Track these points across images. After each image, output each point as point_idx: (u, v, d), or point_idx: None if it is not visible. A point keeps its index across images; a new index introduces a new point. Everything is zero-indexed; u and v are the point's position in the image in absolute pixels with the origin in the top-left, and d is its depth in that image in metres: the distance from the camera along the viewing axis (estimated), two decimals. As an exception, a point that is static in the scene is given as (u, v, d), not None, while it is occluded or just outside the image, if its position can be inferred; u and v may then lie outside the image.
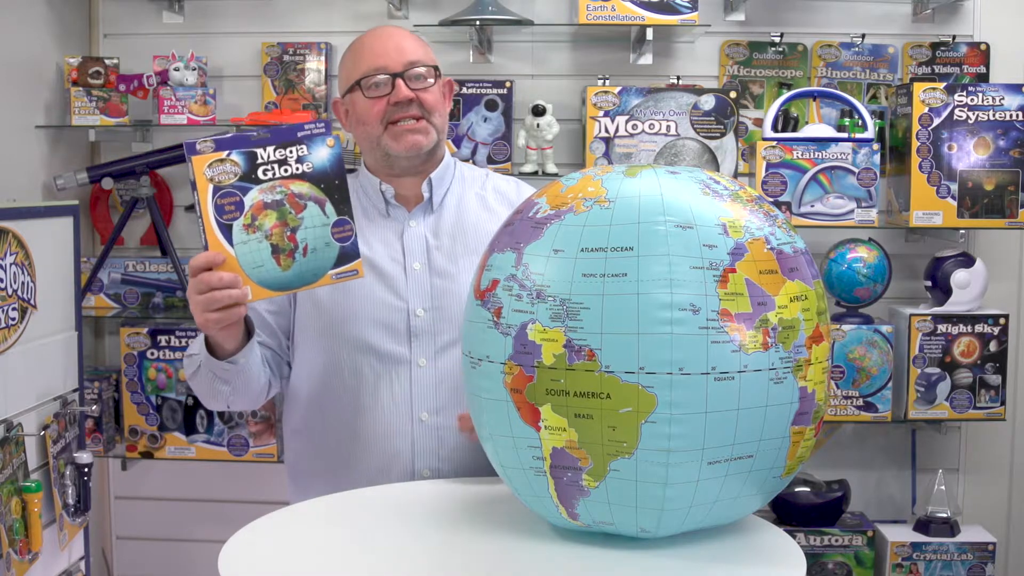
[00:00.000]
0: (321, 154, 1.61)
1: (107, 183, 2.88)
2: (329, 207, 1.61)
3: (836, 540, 2.81)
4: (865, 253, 2.76)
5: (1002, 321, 2.75)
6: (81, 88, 2.83)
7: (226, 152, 1.57)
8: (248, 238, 1.58)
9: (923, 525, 2.82)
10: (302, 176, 1.60)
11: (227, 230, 1.57)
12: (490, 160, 2.83)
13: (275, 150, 1.59)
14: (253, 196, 1.58)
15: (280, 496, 2.56)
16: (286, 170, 1.59)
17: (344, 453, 1.86)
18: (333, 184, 1.62)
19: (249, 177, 1.58)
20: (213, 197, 1.56)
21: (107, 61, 2.86)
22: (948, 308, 2.76)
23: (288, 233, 1.59)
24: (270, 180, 1.59)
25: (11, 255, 1.92)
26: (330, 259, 1.62)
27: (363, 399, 1.84)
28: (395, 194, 1.91)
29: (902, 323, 2.77)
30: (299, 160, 1.60)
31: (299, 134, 1.61)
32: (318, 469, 1.89)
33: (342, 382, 1.85)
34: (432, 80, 1.87)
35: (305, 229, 1.60)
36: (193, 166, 1.56)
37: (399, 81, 1.84)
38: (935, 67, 2.93)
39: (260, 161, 1.58)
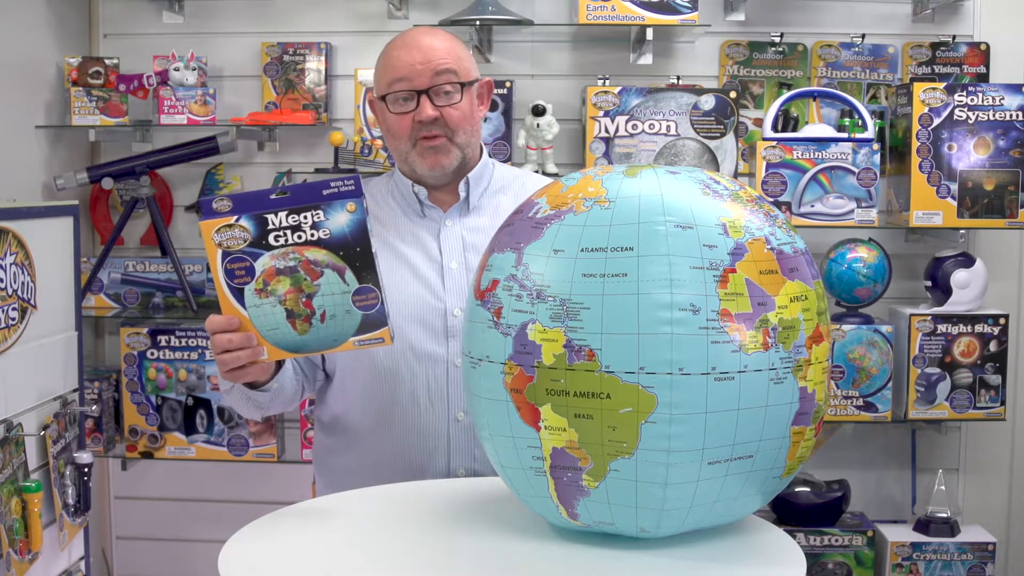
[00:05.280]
0: (340, 220, 1.53)
1: (107, 183, 2.88)
2: (349, 275, 1.53)
3: (836, 540, 2.81)
4: (865, 253, 2.76)
5: (1002, 321, 2.75)
6: (81, 88, 2.83)
7: (235, 217, 1.52)
8: (261, 302, 1.53)
9: (923, 525, 2.82)
10: (318, 243, 1.53)
11: (239, 294, 1.53)
12: (490, 160, 2.83)
13: (288, 215, 1.52)
14: (264, 262, 1.52)
15: (280, 496, 2.56)
16: (300, 236, 1.52)
17: (379, 452, 1.85)
18: (354, 251, 1.53)
19: (260, 243, 1.52)
20: (223, 262, 1.52)
21: (107, 61, 2.86)
22: (948, 308, 2.76)
23: (303, 299, 1.53)
24: (282, 247, 1.53)
25: (11, 255, 1.92)
26: (352, 326, 1.54)
27: (400, 398, 1.84)
28: (428, 195, 1.91)
29: (902, 323, 2.78)
30: (315, 226, 1.52)
31: (324, 192, 1.52)
32: (352, 466, 1.89)
33: (378, 381, 1.84)
34: (459, 97, 1.84)
35: (322, 296, 1.53)
36: (201, 230, 1.52)
37: (424, 99, 1.81)
38: (935, 67, 2.93)
39: (271, 227, 1.52)
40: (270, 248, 1.52)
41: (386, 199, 1.94)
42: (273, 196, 1.53)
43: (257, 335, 1.55)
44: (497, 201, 1.93)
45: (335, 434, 1.93)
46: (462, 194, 1.91)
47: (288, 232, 1.53)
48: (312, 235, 1.53)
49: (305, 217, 1.53)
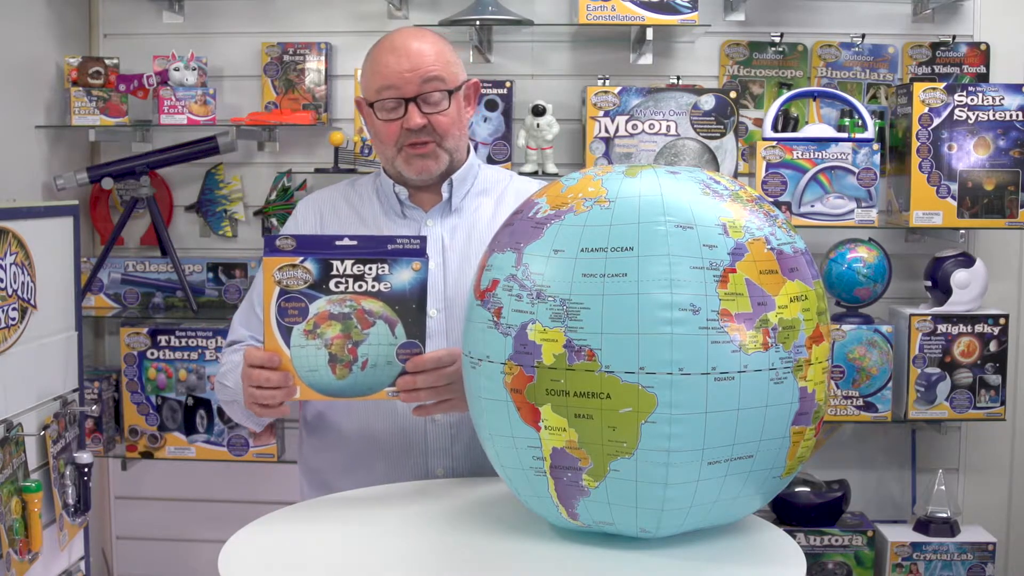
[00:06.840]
0: (403, 276, 1.56)
1: (107, 183, 2.88)
2: (400, 329, 1.57)
3: (836, 540, 2.81)
4: (865, 253, 2.76)
5: (1002, 321, 2.75)
6: (81, 88, 2.83)
7: (301, 259, 1.54)
8: (306, 343, 1.55)
9: (923, 525, 2.82)
10: (376, 294, 1.56)
11: (286, 331, 1.55)
12: (490, 160, 2.83)
13: (353, 264, 1.55)
14: (320, 305, 1.55)
15: (280, 496, 2.56)
16: (360, 286, 1.55)
17: (358, 452, 1.86)
18: (410, 307, 1.57)
19: (320, 287, 1.54)
20: (278, 299, 1.54)
21: (107, 61, 2.86)
22: (948, 308, 2.76)
23: (349, 346, 1.56)
24: (341, 293, 1.55)
25: (11, 255, 1.92)
26: (390, 376, 1.59)
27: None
28: (409, 195, 1.92)
29: (902, 323, 2.77)
30: (377, 278, 1.55)
31: (389, 246, 1.56)
32: (333, 467, 1.90)
33: None
34: (447, 103, 1.84)
35: (368, 345, 1.56)
36: (263, 266, 1.54)
37: (412, 107, 1.82)
38: (935, 67, 2.93)
39: (334, 273, 1.55)
40: (329, 293, 1.55)
41: (371, 197, 1.96)
42: (338, 243, 1.55)
43: (294, 374, 1.57)
44: (478, 203, 1.94)
45: (316, 432, 1.94)
46: (444, 195, 1.91)
47: (349, 280, 1.55)
48: (373, 286, 1.56)
49: (370, 268, 1.55)
